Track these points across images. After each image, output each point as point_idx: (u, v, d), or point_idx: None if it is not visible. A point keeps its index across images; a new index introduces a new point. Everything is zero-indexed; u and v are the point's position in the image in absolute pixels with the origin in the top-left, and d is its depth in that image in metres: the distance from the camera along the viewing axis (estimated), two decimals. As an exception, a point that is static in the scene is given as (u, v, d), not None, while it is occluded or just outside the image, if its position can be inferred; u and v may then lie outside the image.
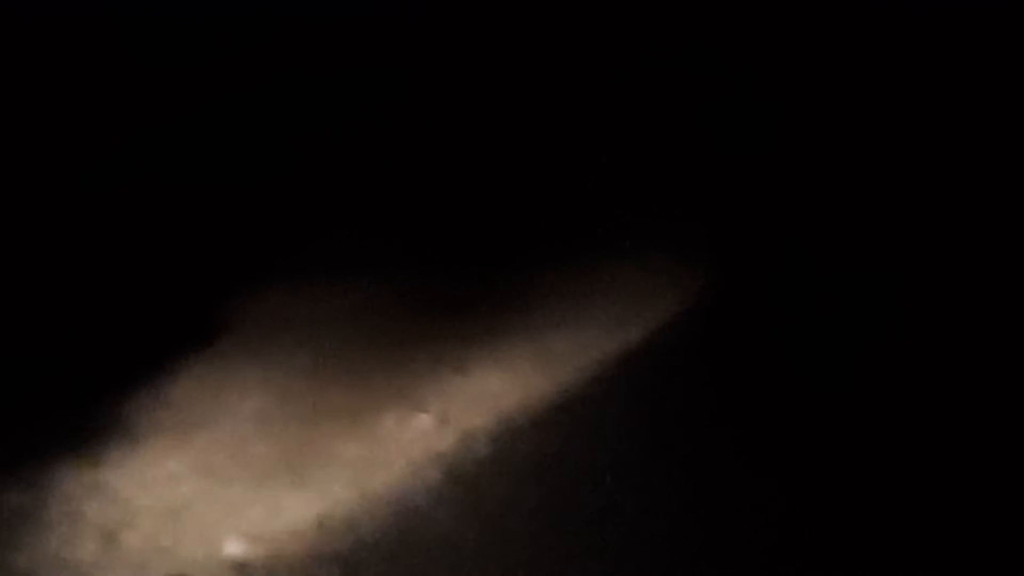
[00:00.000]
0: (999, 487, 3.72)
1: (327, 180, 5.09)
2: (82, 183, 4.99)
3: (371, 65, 5.60)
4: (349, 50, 5.62)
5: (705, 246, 4.84)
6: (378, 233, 4.89)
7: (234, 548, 3.55)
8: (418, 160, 5.20)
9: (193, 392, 4.08)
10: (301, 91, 5.44)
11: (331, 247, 4.81)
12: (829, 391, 4.10)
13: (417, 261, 4.75)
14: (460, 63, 5.61)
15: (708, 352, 4.32)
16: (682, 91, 5.54)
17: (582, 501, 3.68)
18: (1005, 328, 4.35)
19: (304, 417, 4.00)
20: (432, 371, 4.18)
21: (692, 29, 5.81)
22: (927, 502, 3.68)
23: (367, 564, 3.49)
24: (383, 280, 4.65)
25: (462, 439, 3.89)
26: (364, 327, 4.43)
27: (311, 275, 4.65)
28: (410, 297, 4.57)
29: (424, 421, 3.96)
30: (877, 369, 4.19)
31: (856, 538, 3.56)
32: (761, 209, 4.99)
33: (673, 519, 3.62)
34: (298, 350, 4.30)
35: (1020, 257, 4.68)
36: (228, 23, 5.63)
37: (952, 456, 3.83)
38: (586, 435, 3.93)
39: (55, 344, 4.30)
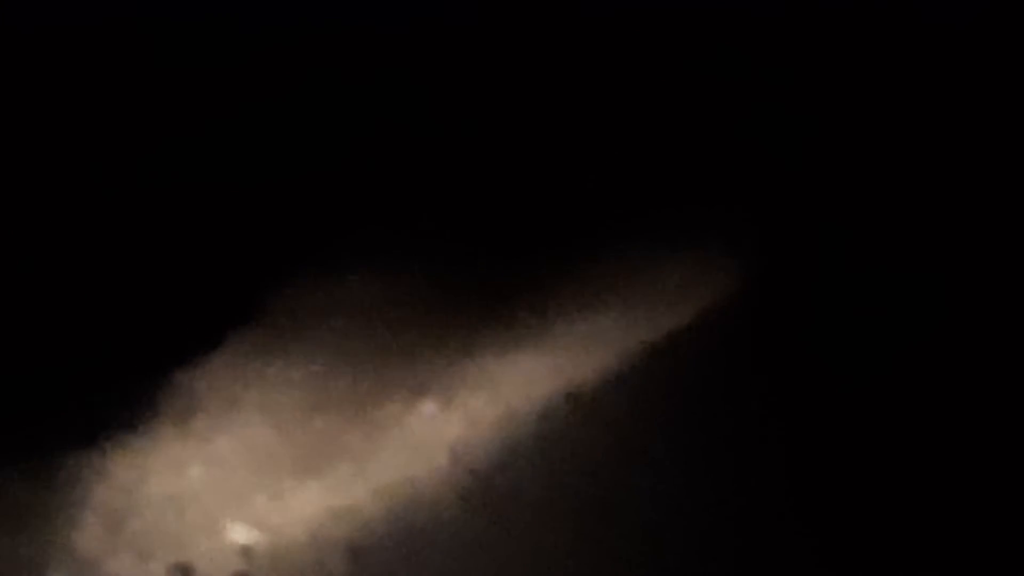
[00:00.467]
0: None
1: (346, 177, 5.08)
2: (105, 176, 5.00)
3: (396, 67, 5.59)
4: (373, 55, 5.63)
5: (734, 236, 4.77)
6: (398, 226, 4.87)
7: (239, 535, 3.54)
8: (451, 151, 5.17)
9: (198, 382, 4.08)
10: (329, 91, 5.44)
11: (341, 241, 4.79)
12: (865, 384, 4.03)
13: (446, 253, 4.73)
14: (487, 58, 5.58)
15: (717, 341, 4.29)
16: (721, 79, 5.49)
17: (587, 488, 3.68)
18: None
19: (310, 405, 3.99)
20: (438, 358, 4.19)
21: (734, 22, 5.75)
22: (970, 498, 3.62)
23: (372, 550, 3.48)
24: (397, 272, 4.63)
25: (468, 425, 3.89)
26: (371, 317, 4.42)
27: (319, 268, 4.64)
28: (427, 289, 4.56)
29: (429, 407, 3.96)
30: (923, 361, 4.11)
31: (886, 537, 3.51)
32: (802, 198, 4.91)
33: (678, 507, 3.62)
34: (304, 341, 4.29)
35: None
36: (271, 27, 5.68)
37: (1003, 452, 3.78)
38: (591, 422, 3.92)
39: (61, 333, 4.30)
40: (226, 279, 4.52)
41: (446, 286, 4.52)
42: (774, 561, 3.48)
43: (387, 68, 5.60)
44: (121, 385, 4.01)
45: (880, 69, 5.50)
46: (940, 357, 4.15)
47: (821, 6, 5.74)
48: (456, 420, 3.90)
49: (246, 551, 3.51)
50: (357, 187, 4.97)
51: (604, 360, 4.15)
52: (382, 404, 3.98)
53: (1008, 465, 3.76)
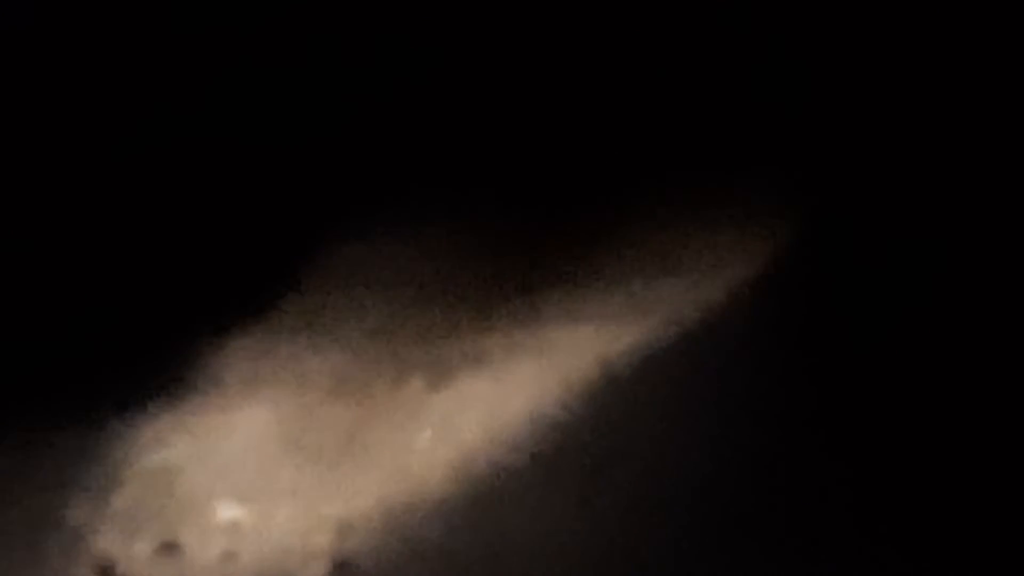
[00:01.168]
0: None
1: (344, 156, 5.05)
2: (115, 140, 4.98)
3: (418, 33, 5.55)
4: (394, 27, 5.59)
5: (775, 206, 4.67)
6: (395, 201, 4.85)
7: (225, 510, 3.54)
8: (465, 123, 5.11)
9: (183, 357, 4.08)
10: (371, 49, 5.39)
11: (329, 220, 4.77)
12: (919, 366, 3.76)
13: (438, 230, 4.68)
14: (520, 23, 5.52)
15: (711, 316, 4.26)
16: (761, 46, 5.40)
17: (575, 464, 3.67)
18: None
19: (296, 381, 3.99)
20: (427, 334, 4.18)
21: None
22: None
23: (358, 527, 3.48)
24: (388, 247, 4.62)
25: (456, 402, 3.88)
26: (359, 294, 4.41)
27: (306, 246, 4.63)
28: (416, 265, 4.54)
29: (417, 383, 3.95)
30: (972, 338, 3.83)
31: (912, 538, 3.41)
32: (851, 167, 4.80)
33: (666, 482, 3.60)
34: (291, 317, 4.28)
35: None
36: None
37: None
38: (580, 398, 3.91)
39: (52, 310, 4.30)
40: (214, 258, 4.52)
41: (437, 262, 4.51)
42: (776, 557, 3.42)
43: (409, 33, 5.56)
44: (108, 360, 4.01)
45: (935, 31, 5.37)
46: (999, 333, 3.88)
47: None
48: (444, 397, 3.90)
49: (233, 528, 3.51)
50: (354, 164, 4.96)
51: (593, 329, 4.13)
52: (370, 380, 3.97)
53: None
